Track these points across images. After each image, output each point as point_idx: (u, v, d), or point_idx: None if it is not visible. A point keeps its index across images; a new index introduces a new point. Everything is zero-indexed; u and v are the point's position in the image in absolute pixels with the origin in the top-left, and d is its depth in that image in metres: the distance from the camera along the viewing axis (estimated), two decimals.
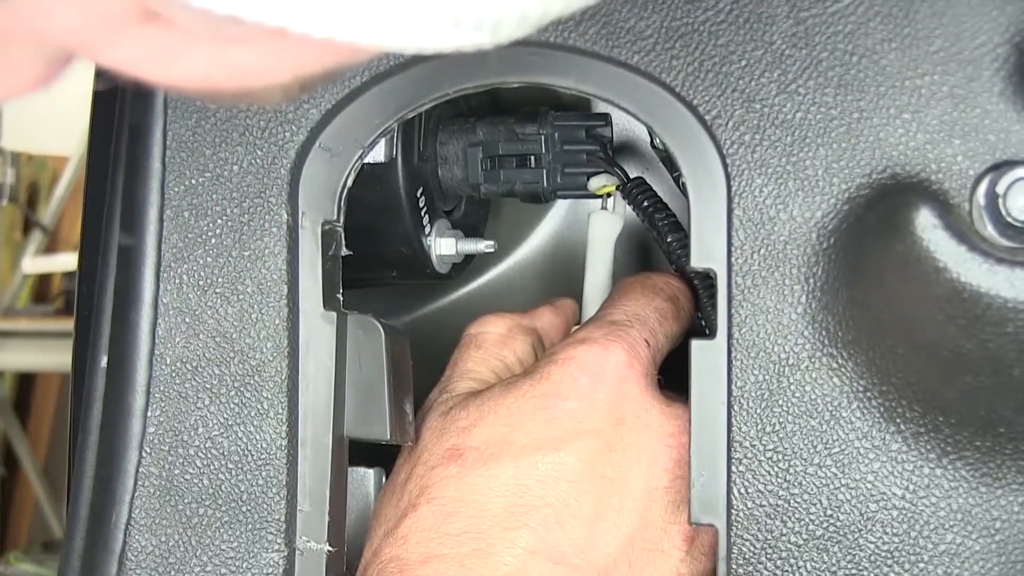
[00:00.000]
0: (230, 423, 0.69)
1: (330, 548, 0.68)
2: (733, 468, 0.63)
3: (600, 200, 0.79)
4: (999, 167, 0.60)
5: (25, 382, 3.46)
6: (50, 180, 3.45)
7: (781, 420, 0.63)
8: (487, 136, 0.79)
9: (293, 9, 0.32)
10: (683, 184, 0.64)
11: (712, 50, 0.63)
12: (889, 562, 0.63)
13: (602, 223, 0.79)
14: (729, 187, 0.63)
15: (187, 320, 0.69)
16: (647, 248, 0.87)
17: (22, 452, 3.24)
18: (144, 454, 0.69)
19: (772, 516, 0.63)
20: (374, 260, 0.79)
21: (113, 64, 0.36)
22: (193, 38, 0.33)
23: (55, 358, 2.94)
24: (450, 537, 0.66)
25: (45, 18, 0.34)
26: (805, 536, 0.63)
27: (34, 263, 3.29)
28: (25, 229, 3.41)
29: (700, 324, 0.74)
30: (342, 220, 0.69)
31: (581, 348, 0.69)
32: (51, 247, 3.36)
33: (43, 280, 3.49)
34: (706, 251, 0.64)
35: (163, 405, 0.69)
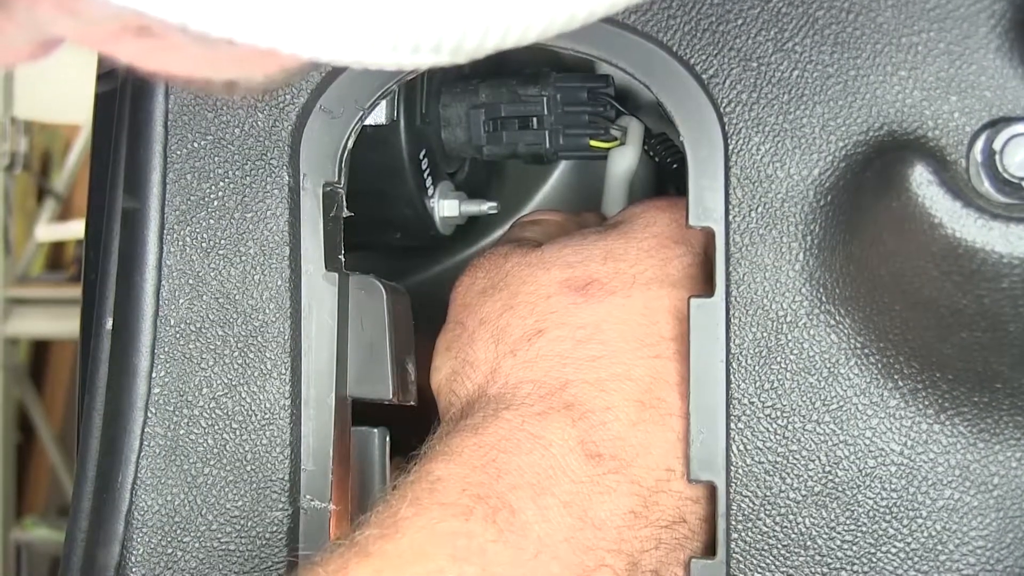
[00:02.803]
0: (234, 383, 0.69)
1: (334, 507, 0.69)
2: (732, 425, 0.64)
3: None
4: (996, 123, 0.60)
5: (40, 349, 3.48)
6: (63, 148, 3.46)
7: (779, 377, 0.64)
8: (489, 98, 0.80)
9: (278, 33, 0.35)
10: (681, 143, 0.65)
11: (709, 9, 0.64)
12: (887, 517, 0.63)
13: (619, 158, 0.79)
14: (726, 145, 0.63)
15: (190, 282, 0.70)
16: (663, 181, 0.87)
17: (38, 419, 3.26)
18: (149, 415, 0.70)
19: (771, 473, 0.64)
20: (378, 222, 0.80)
21: (109, 56, 0.38)
22: (180, 46, 0.36)
23: (70, 325, 2.94)
24: (585, 362, 0.67)
25: (44, 25, 0.36)
26: (804, 492, 0.64)
27: (48, 231, 3.30)
28: (38, 197, 3.42)
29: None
30: (343, 182, 0.70)
31: (671, 199, 0.72)
32: (64, 215, 3.37)
33: (57, 248, 3.50)
34: (704, 209, 0.64)
35: (168, 366, 0.70)
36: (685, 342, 0.66)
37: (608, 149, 0.79)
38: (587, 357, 0.67)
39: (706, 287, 0.67)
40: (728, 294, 0.64)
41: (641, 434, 0.65)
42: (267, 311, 0.69)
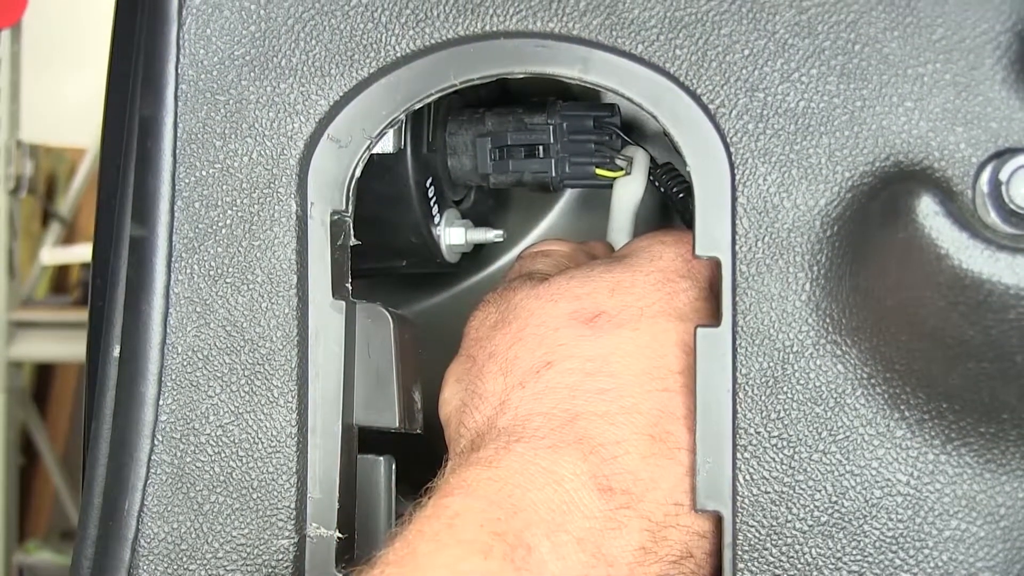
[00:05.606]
0: (241, 411, 0.69)
1: (340, 535, 0.69)
2: (738, 455, 0.64)
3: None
4: (1002, 155, 0.60)
5: (44, 372, 3.48)
6: (68, 172, 3.47)
7: (786, 407, 0.64)
8: (496, 126, 0.80)
9: None
10: (687, 172, 0.65)
11: (715, 40, 0.64)
12: (894, 548, 0.63)
13: (625, 188, 0.80)
14: (733, 176, 0.64)
15: (198, 310, 0.70)
16: (668, 211, 0.87)
17: (41, 442, 3.25)
18: (156, 442, 0.70)
19: (777, 503, 0.64)
20: (384, 250, 0.80)
21: None
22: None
23: (74, 348, 2.95)
24: (594, 395, 0.66)
25: None
26: (810, 523, 0.64)
27: (52, 254, 3.31)
28: (43, 220, 3.42)
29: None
30: (351, 210, 0.70)
31: (677, 234, 0.73)
32: (69, 238, 3.37)
33: (61, 271, 3.51)
34: (710, 239, 0.64)
35: (175, 394, 0.70)
36: (692, 375, 0.66)
37: (614, 178, 0.79)
38: (596, 390, 0.67)
39: (712, 320, 0.67)
40: (735, 324, 0.64)
41: (651, 468, 0.65)
42: (274, 339, 0.69)
